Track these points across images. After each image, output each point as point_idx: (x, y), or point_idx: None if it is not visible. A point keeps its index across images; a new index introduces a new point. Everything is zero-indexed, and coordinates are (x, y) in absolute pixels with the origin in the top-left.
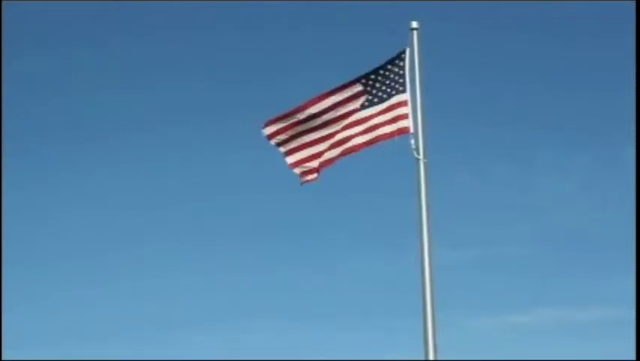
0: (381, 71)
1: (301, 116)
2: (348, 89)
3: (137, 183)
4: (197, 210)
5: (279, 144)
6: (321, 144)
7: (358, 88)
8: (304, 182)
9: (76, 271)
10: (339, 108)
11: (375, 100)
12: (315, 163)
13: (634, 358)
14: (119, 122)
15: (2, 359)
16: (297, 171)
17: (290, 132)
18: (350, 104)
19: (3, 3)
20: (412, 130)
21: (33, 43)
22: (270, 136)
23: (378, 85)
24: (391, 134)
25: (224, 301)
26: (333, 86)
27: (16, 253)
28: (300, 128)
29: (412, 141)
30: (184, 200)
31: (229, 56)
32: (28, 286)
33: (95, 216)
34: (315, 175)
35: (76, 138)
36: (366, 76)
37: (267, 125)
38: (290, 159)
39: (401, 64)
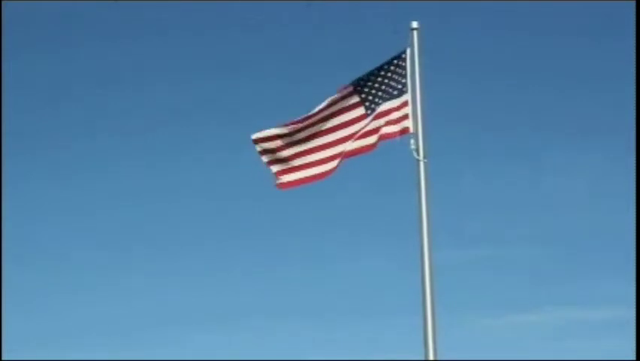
0: (381, 73)
1: (295, 127)
2: (345, 97)
3: (138, 182)
4: (198, 210)
5: (263, 153)
6: (319, 152)
7: (354, 97)
8: (280, 185)
9: (76, 270)
10: (335, 117)
11: (379, 102)
12: (312, 171)
13: (634, 358)
14: (120, 123)
15: (2, 359)
16: (284, 179)
17: (279, 142)
18: (349, 113)
19: (3, 3)
20: (412, 130)
21: (33, 44)
22: (257, 141)
23: (378, 86)
24: (393, 135)
25: (225, 300)
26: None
27: (16, 253)
28: (294, 139)
29: (412, 141)
30: (183, 199)
31: (228, 56)
32: (28, 286)
33: (95, 215)
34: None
35: (76, 137)
36: (361, 81)
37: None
38: (275, 168)
39: (402, 64)
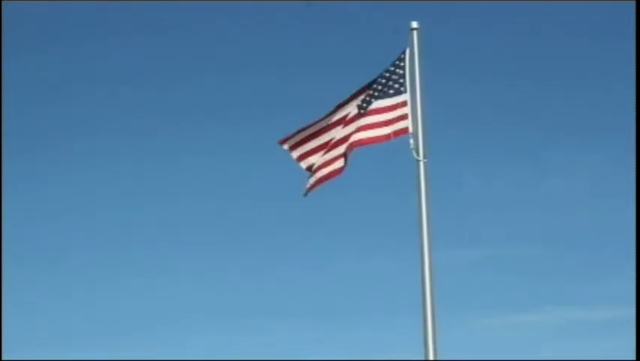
0: (383, 72)
1: (314, 128)
2: (356, 98)
3: (138, 182)
4: (198, 210)
5: (292, 148)
6: (322, 151)
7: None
8: (307, 191)
9: (76, 270)
10: (339, 112)
11: (373, 99)
12: (318, 173)
13: (634, 358)
14: (120, 123)
15: (2, 359)
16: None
17: (301, 138)
18: (349, 106)
19: (3, 3)
20: (411, 130)
21: (33, 44)
22: (289, 147)
23: (375, 85)
24: (389, 136)
25: (225, 300)
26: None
27: (16, 253)
28: (309, 132)
29: (411, 141)
30: (184, 200)
31: (228, 56)
32: (28, 286)
33: (95, 216)
34: (312, 184)
35: (76, 137)
36: (371, 83)
37: (284, 140)
38: (303, 164)
39: (401, 64)
